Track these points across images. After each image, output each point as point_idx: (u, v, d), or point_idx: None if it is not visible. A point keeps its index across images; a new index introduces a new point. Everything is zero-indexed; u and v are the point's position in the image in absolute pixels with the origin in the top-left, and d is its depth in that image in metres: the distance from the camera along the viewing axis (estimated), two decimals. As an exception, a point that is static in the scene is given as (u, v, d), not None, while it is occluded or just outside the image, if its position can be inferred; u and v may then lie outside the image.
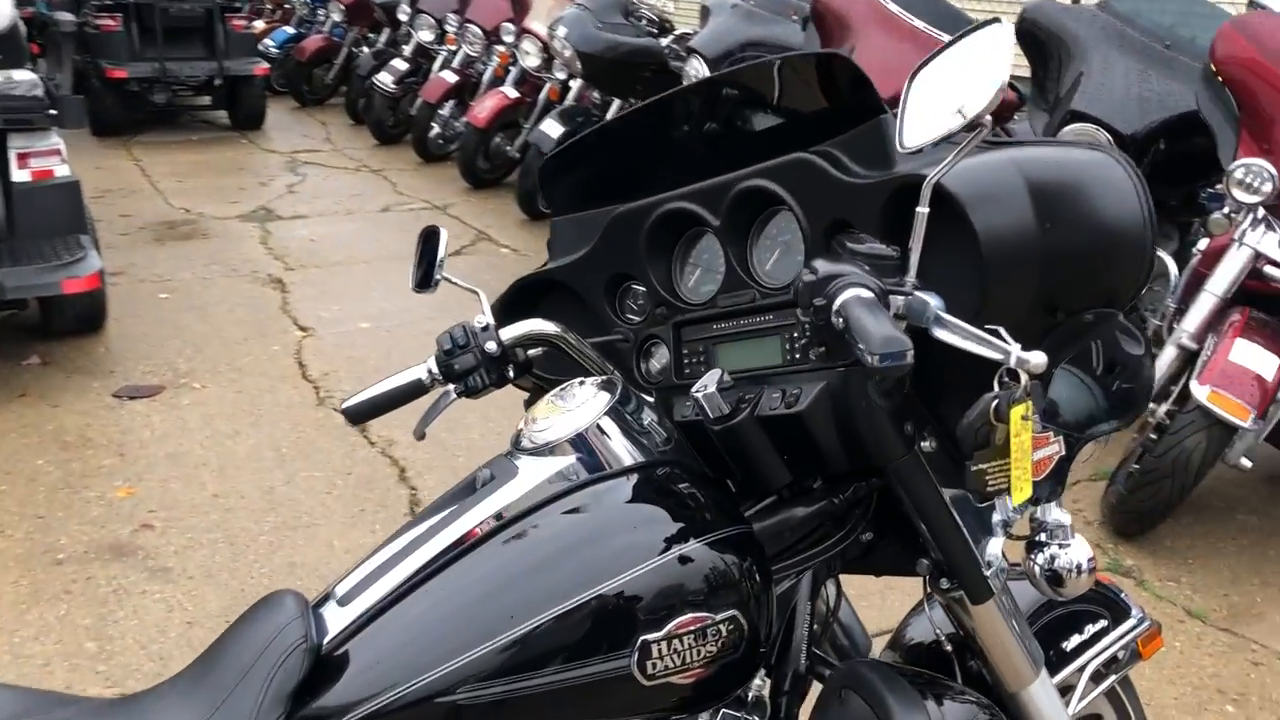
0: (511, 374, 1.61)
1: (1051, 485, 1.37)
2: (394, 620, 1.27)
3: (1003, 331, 1.14)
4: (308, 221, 7.23)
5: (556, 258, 1.71)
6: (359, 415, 1.63)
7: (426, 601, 1.28)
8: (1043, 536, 1.59)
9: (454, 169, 8.31)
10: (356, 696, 1.23)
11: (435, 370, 1.59)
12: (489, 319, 1.58)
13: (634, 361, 1.62)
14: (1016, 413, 1.14)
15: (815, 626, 1.57)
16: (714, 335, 1.52)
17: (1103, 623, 1.81)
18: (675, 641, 1.26)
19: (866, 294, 1.13)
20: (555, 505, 1.31)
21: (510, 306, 1.73)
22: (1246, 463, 3.23)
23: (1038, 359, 1.09)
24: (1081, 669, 1.75)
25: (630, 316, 1.64)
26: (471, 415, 4.20)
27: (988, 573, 1.45)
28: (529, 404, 1.78)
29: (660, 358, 1.61)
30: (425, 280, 1.65)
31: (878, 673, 1.33)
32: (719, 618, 1.28)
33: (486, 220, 7.29)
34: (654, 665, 1.25)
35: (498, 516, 1.33)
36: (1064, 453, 1.31)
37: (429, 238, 1.65)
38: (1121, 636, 1.82)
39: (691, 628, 1.26)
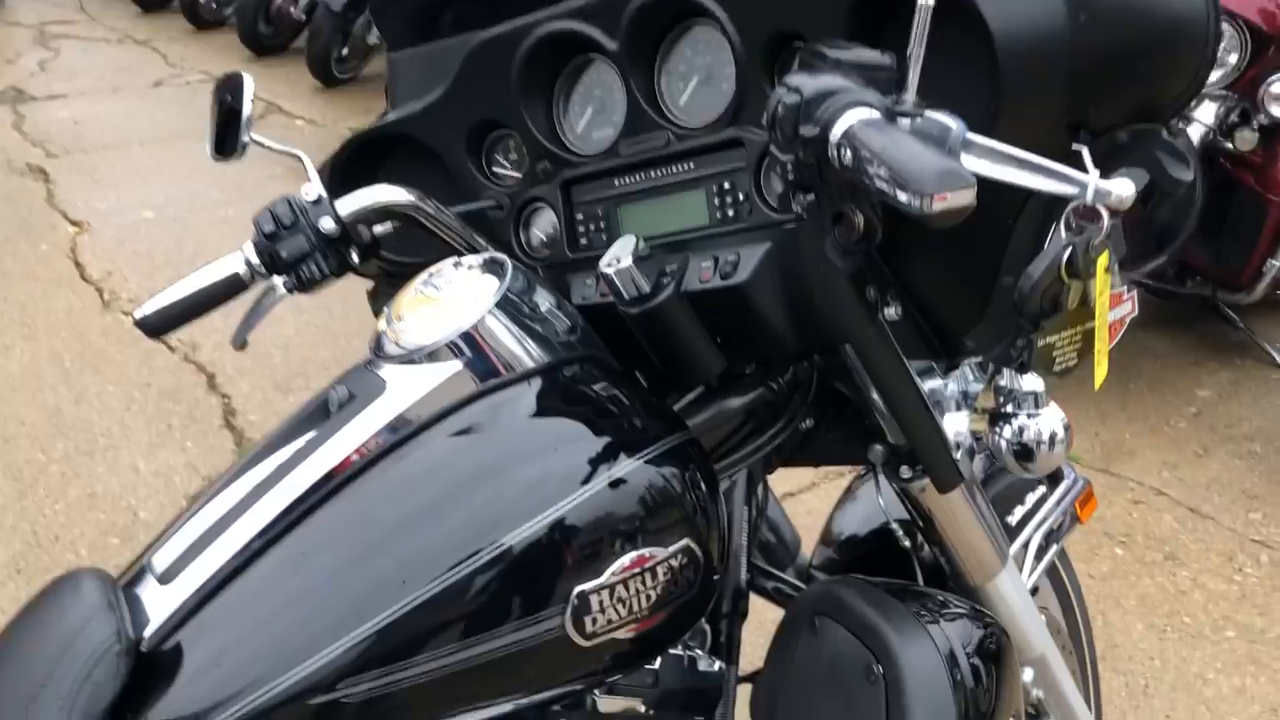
0: (355, 259, 1.26)
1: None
2: (240, 599, 0.95)
3: (1084, 154, 0.87)
4: (68, 101, 6.40)
5: (401, 105, 1.34)
6: (160, 325, 1.26)
7: (282, 571, 0.95)
8: (1009, 407, 1.39)
9: (232, 35, 7.52)
10: (198, 706, 0.91)
11: (255, 260, 1.23)
12: (320, 190, 1.22)
13: (512, 234, 1.30)
14: (1101, 264, 0.88)
15: (753, 537, 1.33)
16: (616, 194, 1.20)
17: (1041, 489, 1.64)
18: (619, 589, 0.98)
19: (873, 114, 0.84)
20: (441, 428, 1.00)
21: (344, 172, 1.37)
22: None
23: (1124, 189, 0.83)
24: (1026, 544, 1.58)
25: (503, 175, 1.30)
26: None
27: (956, 455, 1.23)
28: (375, 297, 1.44)
29: (545, 226, 1.28)
30: (226, 144, 1.26)
31: (858, 593, 1.09)
32: (669, 552, 1.00)
33: (276, 90, 6.59)
34: (593, 622, 0.97)
35: (366, 448, 1.01)
36: (1136, 312, 1.08)
37: (230, 89, 1.26)
38: (1059, 502, 1.66)
39: (636, 570, 0.99)
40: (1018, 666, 1.16)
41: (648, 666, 1.17)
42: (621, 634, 1.00)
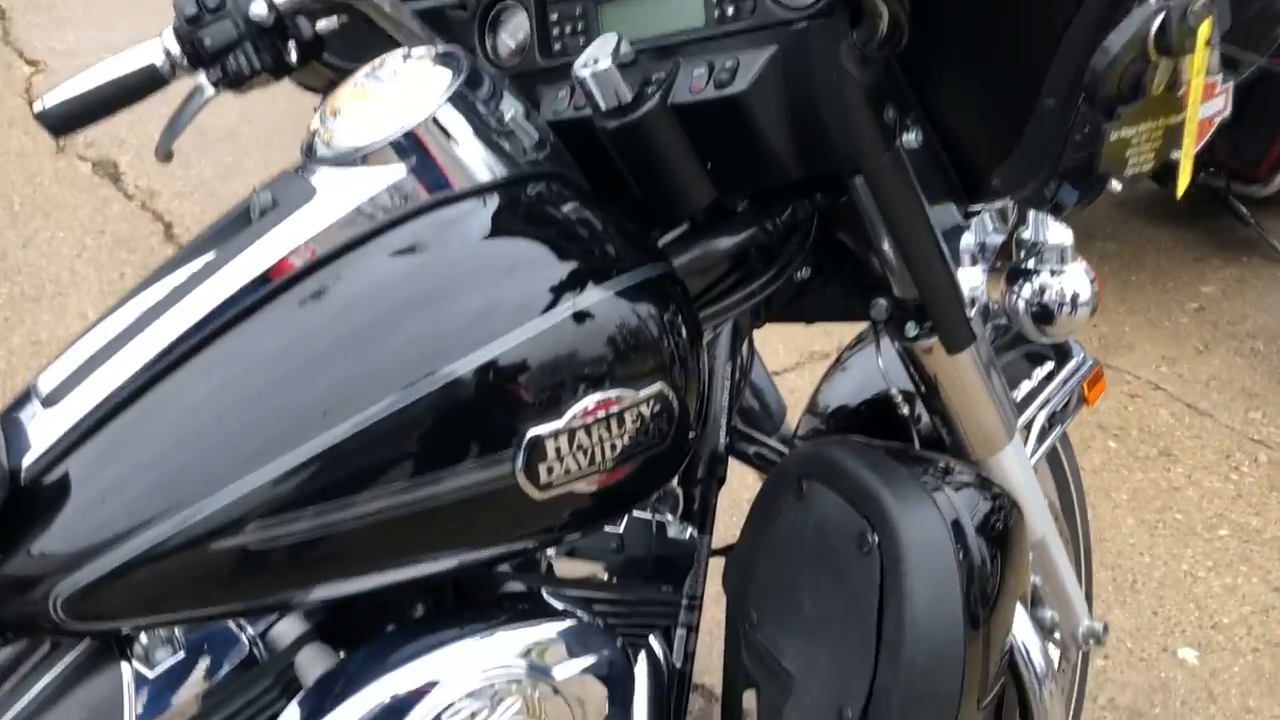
0: (293, 57, 1.10)
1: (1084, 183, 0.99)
2: (135, 426, 0.80)
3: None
4: (28, -64, 6.03)
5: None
6: (63, 121, 1.09)
7: (184, 396, 0.81)
8: (1031, 263, 1.25)
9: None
10: (80, 544, 0.77)
11: (175, 49, 1.06)
12: None
13: (477, 37, 1.12)
14: (1202, 34, 0.72)
15: (735, 398, 1.19)
16: None
17: (1048, 365, 1.51)
18: (579, 435, 0.84)
19: None
20: (378, 243, 0.85)
21: None
22: (1117, 185, 3.00)
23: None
24: (1029, 424, 1.45)
25: None
26: (250, 159, 3.57)
27: (971, 312, 1.09)
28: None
29: (515, 30, 1.10)
30: None
31: (852, 454, 0.95)
32: (639, 396, 0.86)
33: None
34: (549, 471, 0.84)
35: (289, 263, 0.85)
36: (1228, 112, 0.92)
37: None
38: (1067, 380, 1.53)
39: (600, 413, 0.85)
40: (1028, 546, 1.04)
41: (611, 529, 1.04)
42: (581, 487, 0.86)
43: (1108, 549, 2.18)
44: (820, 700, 0.91)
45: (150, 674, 0.84)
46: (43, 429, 0.82)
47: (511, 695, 0.87)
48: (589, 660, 0.93)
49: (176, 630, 0.86)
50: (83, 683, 0.80)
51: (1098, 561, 2.10)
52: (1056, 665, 1.42)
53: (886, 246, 1.03)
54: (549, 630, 0.92)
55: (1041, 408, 1.46)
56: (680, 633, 1.14)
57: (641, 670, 1.09)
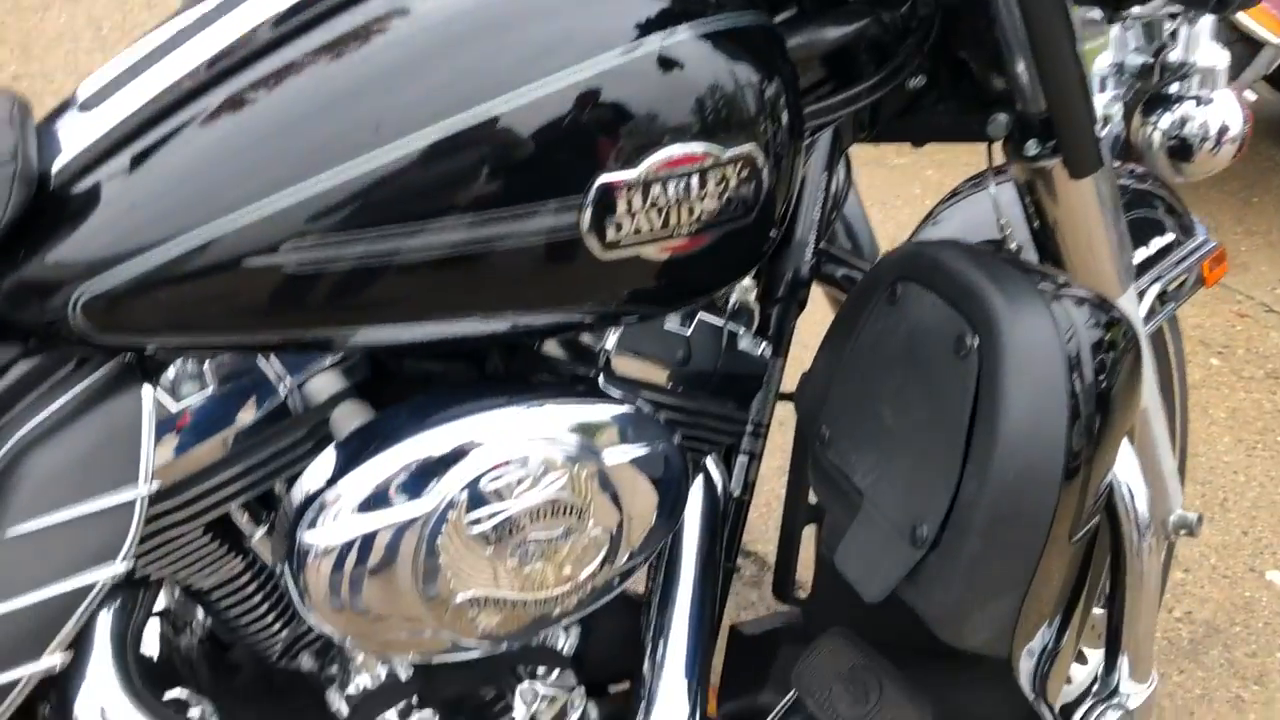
0: None
1: None
2: (174, 133, 0.73)
3: None
4: None
5: None
6: None
7: (229, 105, 0.74)
8: (1175, 88, 1.12)
9: None
10: (107, 249, 0.71)
11: None
12: None
13: None
14: None
15: (826, 218, 1.09)
16: None
17: (1169, 236, 1.38)
18: (654, 190, 0.75)
19: None
20: None
21: None
22: (1251, 95, 2.80)
23: None
24: (1142, 294, 1.33)
25: None
26: None
27: (1100, 132, 0.97)
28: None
29: None
30: None
31: (960, 254, 0.85)
32: (725, 156, 0.77)
33: None
34: (618, 228, 0.76)
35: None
36: None
37: None
38: (1186, 257, 1.40)
39: (680, 168, 0.76)
40: (1144, 383, 0.94)
41: (679, 331, 0.96)
42: (651, 253, 0.78)
43: (1199, 464, 2.05)
44: (893, 517, 0.82)
45: (174, 407, 0.79)
46: (77, 133, 0.76)
47: (557, 470, 0.80)
48: (641, 451, 0.85)
49: (206, 366, 0.80)
50: (102, 404, 0.75)
51: (1188, 476, 1.98)
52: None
53: (1016, 51, 0.92)
54: (603, 412, 0.85)
55: (1155, 280, 1.34)
56: (741, 459, 1.06)
57: (697, 490, 1.02)
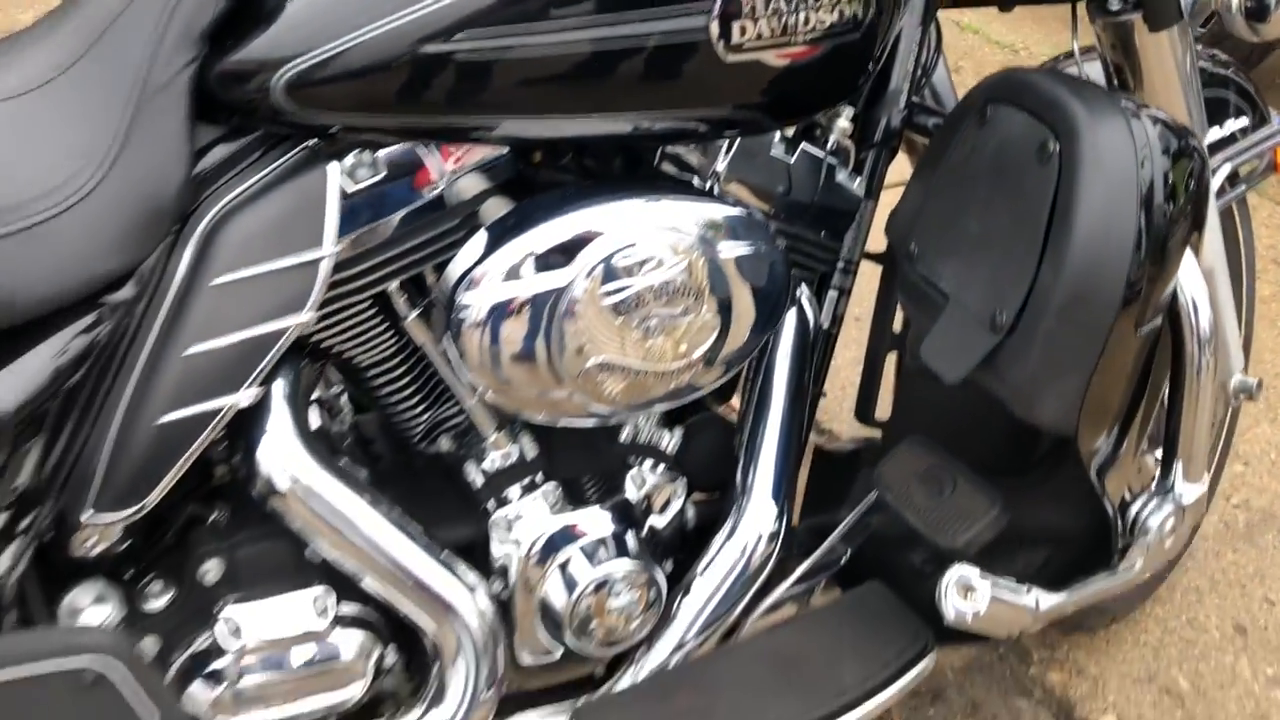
0: None
1: None
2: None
3: None
4: None
5: None
6: None
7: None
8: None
9: None
10: (305, 36, 0.83)
11: None
12: None
13: None
14: None
15: (919, 72, 1.18)
16: None
17: (1243, 119, 1.45)
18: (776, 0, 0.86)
19: None
20: None
21: None
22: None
23: None
24: (1216, 169, 1.40)
25: None
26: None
27: None
28: None
29: None
30: None
31: (1045, 76, 0.95)
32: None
33: None
34: (742, 31, 0.86)
35: None
36: None
37: None
38: (1259, 141, 1.46)
39: (799, -18, 0.86)
40: (1210, 196, 1.03)
41: (782, 159, 1.06)
42: (769, 58, 0.88)
43: (1264, 369, 2.11)
44: (975, 309, 0.92)
45: (351, 188, 0.90)
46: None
47: (680, 255, 0.91)
48: (752, 250, 0.96)
49: (379, 155, 0.92)
50: (293, 179, 0.87)
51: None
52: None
53: None
54: (719, 211, 0.95)
55: (1226, 160, 1.41)
56: (831, 294, 1.16)
57: (790, 319, 1.12)
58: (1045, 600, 1.05)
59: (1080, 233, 0.86)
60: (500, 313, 0.90)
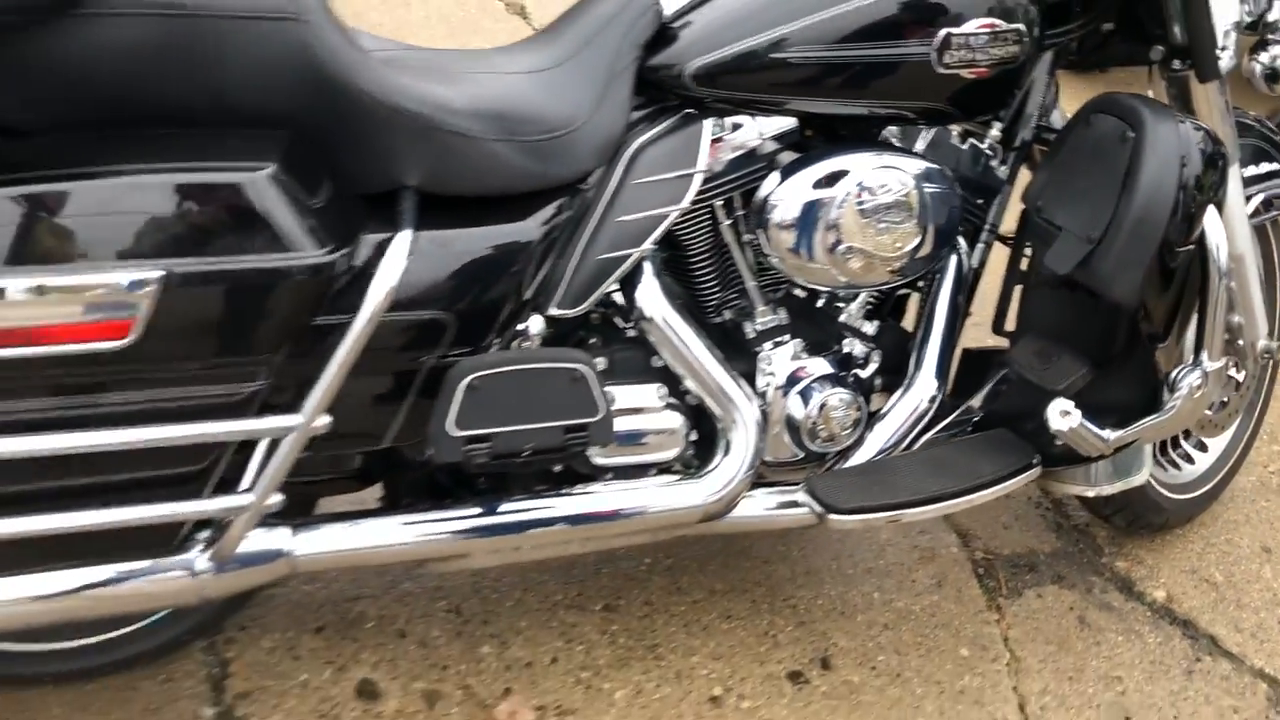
0: None
1: None
2: (730, -4, 1.51)
3: None
4: None
5: None
6: None
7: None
8: (1271, 36, 1.81)
9: None
10: (698, 50, 1.48)
11: None
12: None
13: None
14: None
15: (1043, 106, 1.80)
16: None
17: (1275, 165, 2.03)
18: (972, 38, 1.50)
19: None
20: None
21: None
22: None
23: None
24: (1250, 198, 1.98)
25: None
26: None
27: (1220, 53, 1.66)
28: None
29: None
30: None
31: (1129, 96, 1.57)
32: (1007, 27, 1.51)
33: None
34: (951, 55, 1.50)
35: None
36: None
37: None
38: (1284, 177, 2.05)
39: (988, 31, 1.50)
40: (1228, 180, 1.62)
41: (957, 145, 1.69)
42: (964, 74, 1.52)
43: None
44: (1077, 233, 1.53)
45: (714, 135, 1.54)
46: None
47: (901, 185, 1.54)
48: (941, 191, 1.57)
49: (727, 120, 1.55)
50: (682, 128, 1.51)
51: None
52: (1240, 378, 1.97)
53: (1171, 7, 1.62)
54: (923, 164, 1.58)
55: (1260, 190, 2.00)
56: (980, 246, 1.77)
57: (951, 261, 1.74)
58: (1113, 434, 1.63)
59: (1143, 184, 1.47)
60: (793, 215, 1.52)
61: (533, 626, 1.81)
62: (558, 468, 1.57)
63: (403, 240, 1.25)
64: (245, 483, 1.27)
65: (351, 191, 1.30)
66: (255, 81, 1.22)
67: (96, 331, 1.08)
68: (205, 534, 1.29)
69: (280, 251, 1.13)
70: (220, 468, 1.23)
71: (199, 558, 1.29)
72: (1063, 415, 1.59)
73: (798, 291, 1.67)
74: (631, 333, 1.58)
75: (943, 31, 1.48)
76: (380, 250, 1.25)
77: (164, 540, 1.27)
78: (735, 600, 1.90)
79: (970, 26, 1.49)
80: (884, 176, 1.54)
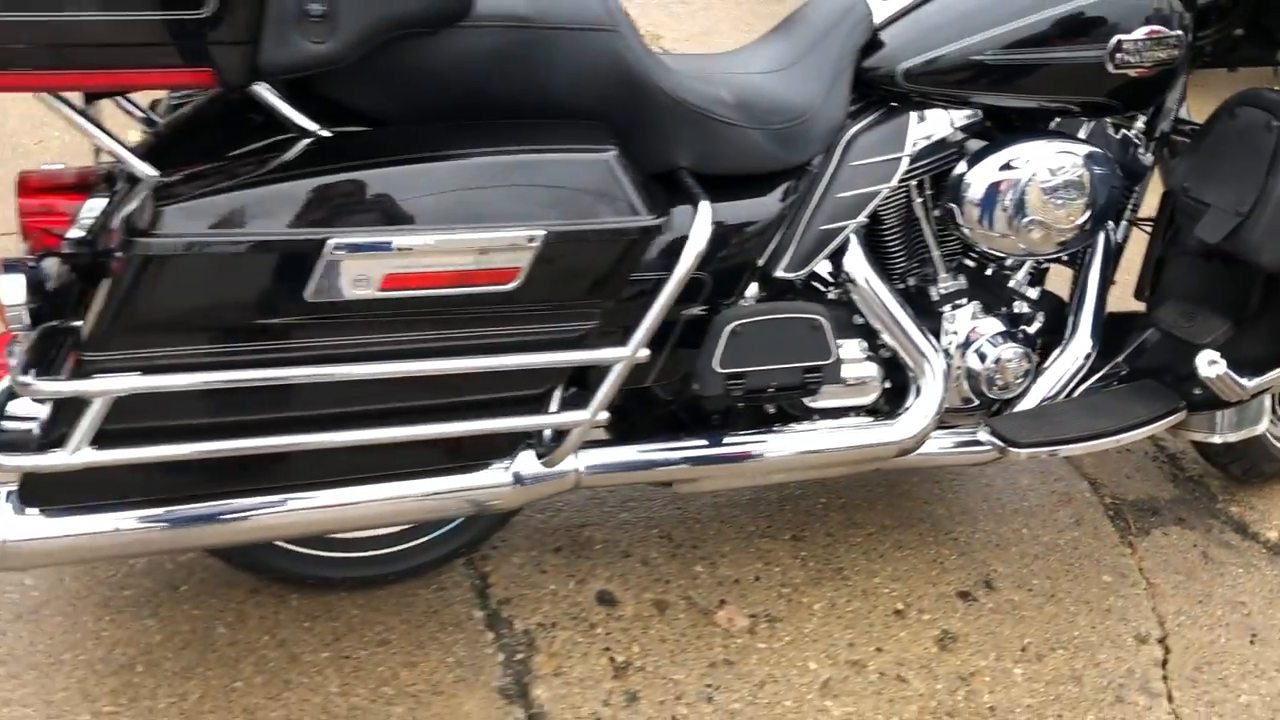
0: None
1: None
2: (935, 3, 1.78)
3: None
4: None
5: None
6: None
7: (958, -5, 1.79)
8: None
9: None
10: (905, 56, 1.76)
11: None
12: None
13: None
14: None
15: (1180, 99, 2.07)
16: None
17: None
18: (1140, 43, 1.77)
19: None
20: None
21: None
22: None
23: None
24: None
25: None
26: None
27: None
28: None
29: None
30: None
31: (1271, 91, 1.84)
32: (1169, 33, 1.79)
33: None
34: (1121, 58, 1.77)
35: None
36: None
37: None
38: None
39: (1152, 36, 1.77)
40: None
41: (1110, 134, 1.96)
42: (1132, 73, 1.79)
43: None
44: (1225, 209, 1.80)
45: (917, 124, 1.82)
46: (885, 8, 1.82)
47: (1074, 167, 1.81)
48: (1104, 173, 1.84)
49: (927, 113, 1.83)
50: (890, 119, 1.79)
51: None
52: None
53: None
54: (1087, 150, 1.85)
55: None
56: (1124, 224, 2.05)
57: (1100, 237, 2.01)
58: (1250, 381, 1.90)
59: (1288, 168, 1.75)
60: (986, 193, 1.80)
61: (734, 551, 2.09)
62: (773, 409, 1.85)
63: (705, 208, 1.54)
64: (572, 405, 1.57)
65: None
66: (576, 80, 1.51)
67: (491, 276, 1.37)
68: (534, 447, 1.59)
69: (627, 216, 1.42)
70: (556, 391, 1.52)
71: (528, 466, 1.58)
72: (1210, 364, 1.86)
73: (969, 261, 1.95)
74: (832, 295, 1.86)
75: (1116, 37, 1.76)
76: (686, 217, 1.53)
77: (503, 451, 1.57)
78: (904, 533, 2.18)
79: (1139, 33, 1.77)
80: (1062, 160, 1.81)
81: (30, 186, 1.54)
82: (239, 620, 1.84)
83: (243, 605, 1.87)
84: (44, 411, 1.44)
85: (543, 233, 1.37)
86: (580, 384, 1.60)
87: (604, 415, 1.55)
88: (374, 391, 1.42)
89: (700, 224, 1.53)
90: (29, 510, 1.40)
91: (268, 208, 1.29)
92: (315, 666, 1.78)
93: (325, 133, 1.42)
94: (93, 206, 1.52)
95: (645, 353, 1.53)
